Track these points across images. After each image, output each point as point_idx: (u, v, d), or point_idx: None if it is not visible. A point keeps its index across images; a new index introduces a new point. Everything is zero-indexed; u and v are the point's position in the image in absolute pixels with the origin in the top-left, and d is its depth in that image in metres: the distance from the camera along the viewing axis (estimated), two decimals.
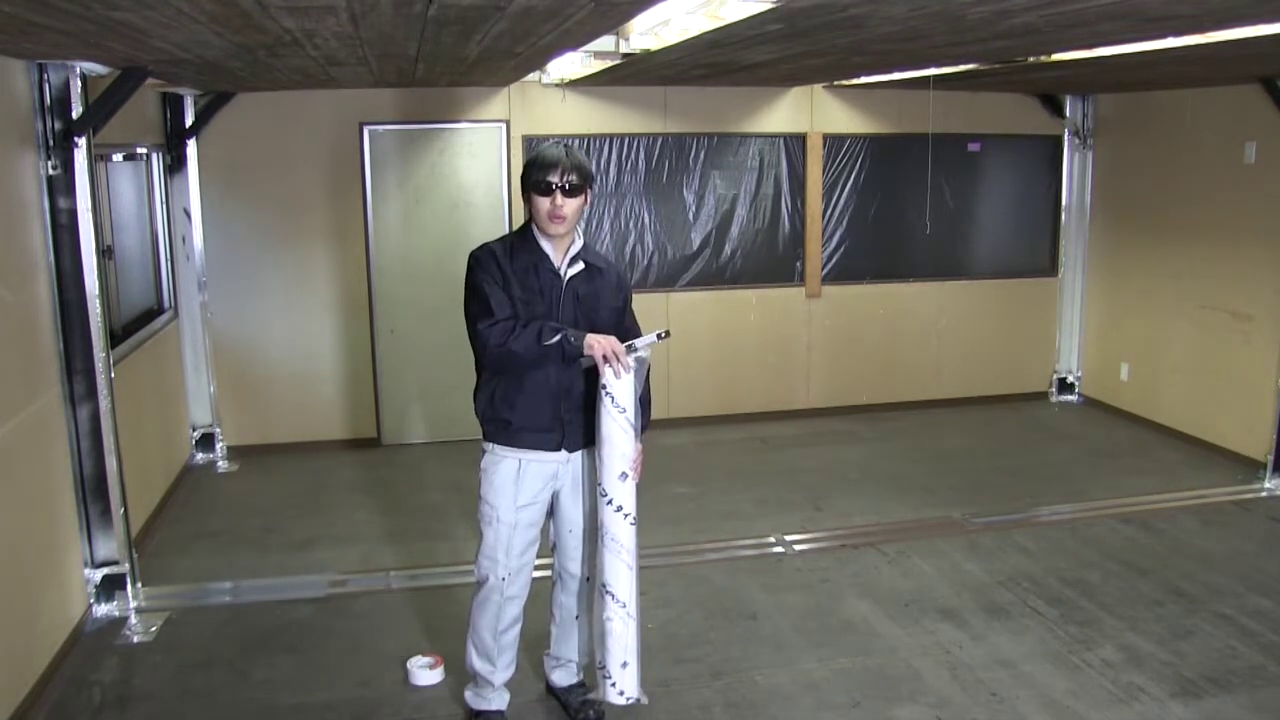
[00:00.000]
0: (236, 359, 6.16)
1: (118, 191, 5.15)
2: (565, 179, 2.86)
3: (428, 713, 3.36)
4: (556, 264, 2.95)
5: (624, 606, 2.95)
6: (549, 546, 3.21)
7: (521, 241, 2.98)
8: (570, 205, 2.88)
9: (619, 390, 2.83)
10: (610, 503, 2.89)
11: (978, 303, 7.20)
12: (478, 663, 3.17)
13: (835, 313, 6.95)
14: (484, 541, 3.06)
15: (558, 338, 2.82)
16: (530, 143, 6.24)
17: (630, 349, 2.85)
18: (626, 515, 2.91)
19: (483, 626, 3.12)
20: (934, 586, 4.27)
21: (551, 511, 3.14)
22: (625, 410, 2.84)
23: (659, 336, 2.92)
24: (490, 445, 3.03)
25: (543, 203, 2.87)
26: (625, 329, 3.07)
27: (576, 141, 6.31)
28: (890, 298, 7.04)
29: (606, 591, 2.95)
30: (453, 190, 6.27)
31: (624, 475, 2.88)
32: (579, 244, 3.00)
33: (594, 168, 6.35)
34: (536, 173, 2.88)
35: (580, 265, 2.98)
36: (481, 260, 2.95)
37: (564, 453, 3.02)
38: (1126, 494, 5.41)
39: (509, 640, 3.15)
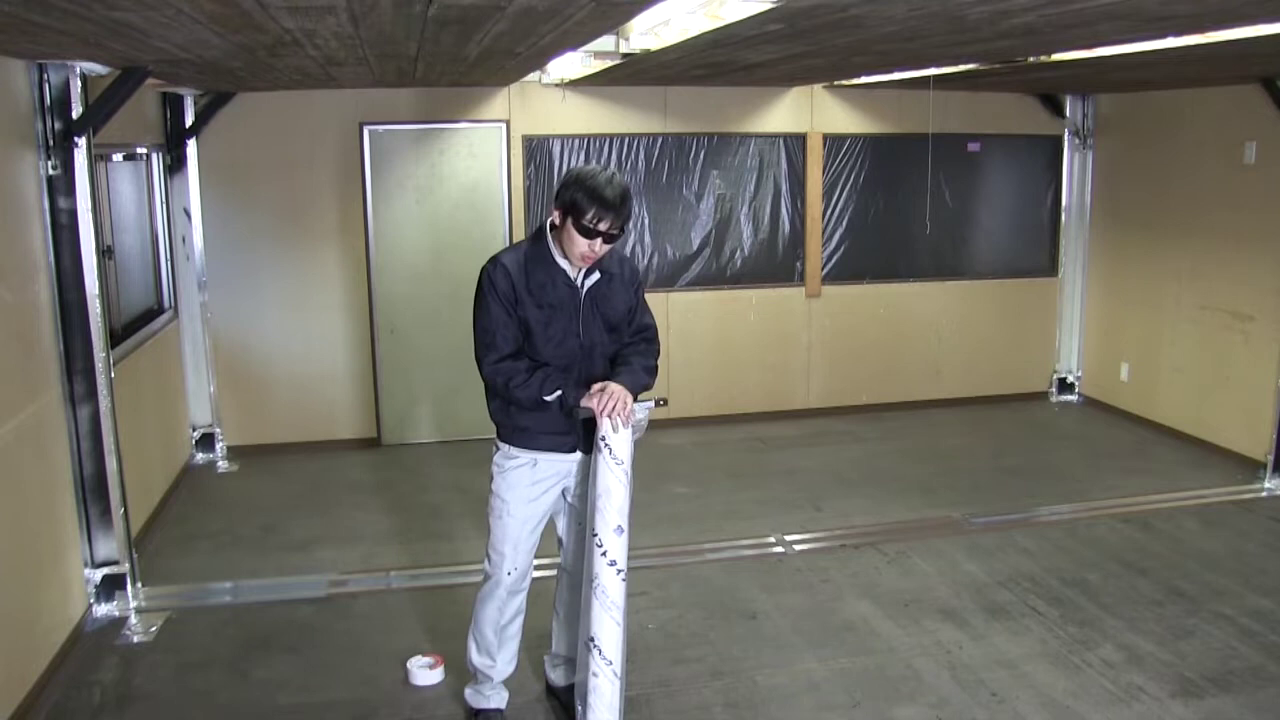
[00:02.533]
0: (236, 359, 6.16)
1: (118, 191, 5.14)
2: (613, 228, 2.80)
3: (428, 713, 3.37)
4: (573, 276, 2.92)
5: (610, 664, 2.82)
6: (555, 544, 3.21)
7: (536, 253, 2.92)
8: (606, 249, 2.86)
9: (617, 443, 2.81)
10: (605, 554, 2.81)
11: (978, 303, 7.20)
12: (477, 658, 3.18)
13: (835, 313, 6.95)
14: (493, 535, 3.07)
15: (556, 394, 2.82)
16: (530, 143, 6.24)
17: None
18: (620, 571, 2.82)
19: (485, 620, 3.12)
20: (934, 586, 4.27)
21: (559, 508, 3.14)
22: (622, 463, 2.81)
23: (656, 404, 2.94)
24: (505, 445, 3.04)
25: (582, 243, 2.81)
26: (635, 321, 3.07)
27: (576, 141, 6.32)
28: (890, 298, 7.04)
29: (594, 645, 2.82)
30: (453, 190, 6.26)
31: (620, 529, 2.82)
32: None
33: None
34: (590, 212, 2.75)
35: (596, 274, 2.95)
36: (495, 281, 2.88)
37: (579, 454, 3.03)
38: (1126, 494, 5.41)
39: (511, 633, 3.15)
